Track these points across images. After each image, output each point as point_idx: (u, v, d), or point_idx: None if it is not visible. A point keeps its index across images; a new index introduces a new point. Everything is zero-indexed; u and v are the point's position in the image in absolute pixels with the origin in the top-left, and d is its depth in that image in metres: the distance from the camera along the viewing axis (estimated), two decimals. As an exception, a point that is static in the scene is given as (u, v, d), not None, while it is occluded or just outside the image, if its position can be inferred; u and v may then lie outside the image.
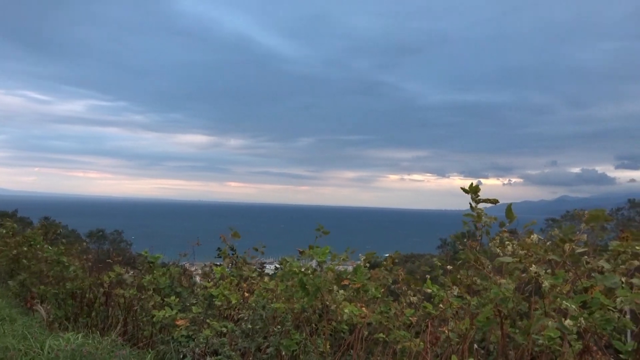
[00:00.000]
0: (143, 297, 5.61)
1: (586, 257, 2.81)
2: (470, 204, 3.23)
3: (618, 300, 2.45)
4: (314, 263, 4.04)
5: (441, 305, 3.93)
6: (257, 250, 5.93)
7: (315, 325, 4.17)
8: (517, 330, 3.00)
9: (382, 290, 4.32)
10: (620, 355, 2.69)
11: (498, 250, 2.89)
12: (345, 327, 3.56)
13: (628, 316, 2.81)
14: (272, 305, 4.03)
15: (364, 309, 3.74)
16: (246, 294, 4.86)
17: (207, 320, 4.38)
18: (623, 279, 2.51)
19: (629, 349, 2.67)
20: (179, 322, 4.59)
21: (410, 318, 4.31)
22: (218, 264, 6.00)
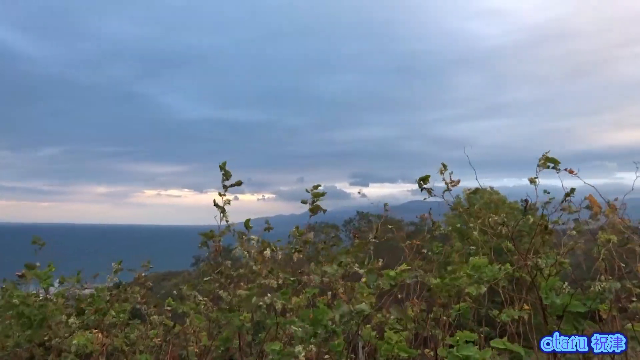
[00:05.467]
0: None
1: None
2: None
3: (337, 316, 2.71)
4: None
5: (191, 321, 3.88)
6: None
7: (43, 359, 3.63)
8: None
9: (127, 310, 4.04)
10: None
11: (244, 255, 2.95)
12: (75, 358, 3.18)
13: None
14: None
15: (100, 335, 3.42)
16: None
17: None
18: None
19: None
20: None
21: (154, 340, 4.13)
22: None
